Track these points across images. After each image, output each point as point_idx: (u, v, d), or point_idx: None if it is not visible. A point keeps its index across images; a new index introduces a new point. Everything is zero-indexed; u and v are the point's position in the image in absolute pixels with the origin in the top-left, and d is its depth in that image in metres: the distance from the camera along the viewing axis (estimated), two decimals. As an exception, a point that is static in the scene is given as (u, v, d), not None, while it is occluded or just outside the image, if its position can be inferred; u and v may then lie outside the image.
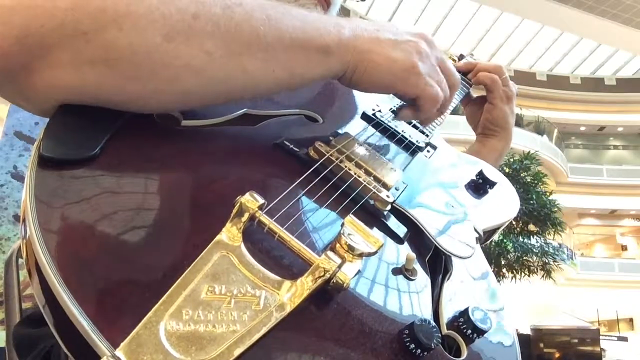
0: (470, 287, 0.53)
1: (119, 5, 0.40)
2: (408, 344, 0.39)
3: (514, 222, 8.19)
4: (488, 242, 0.70)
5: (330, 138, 0.56)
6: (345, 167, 0.53)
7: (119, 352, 0.28)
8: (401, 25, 0.58)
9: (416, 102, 0.58)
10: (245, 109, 0.54)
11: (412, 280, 0.47)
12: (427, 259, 0.52)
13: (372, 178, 0.53)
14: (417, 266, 0.48)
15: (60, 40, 0.39)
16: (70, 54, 0.40)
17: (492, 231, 0.67)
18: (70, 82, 0.41)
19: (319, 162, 0.51)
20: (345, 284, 0.38)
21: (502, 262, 8.47)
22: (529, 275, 8.64)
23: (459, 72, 0.95)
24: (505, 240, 8.27)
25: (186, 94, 0.45)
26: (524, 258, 8.53)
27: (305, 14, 0.50)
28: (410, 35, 0.56)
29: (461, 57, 1.05)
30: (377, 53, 0.52)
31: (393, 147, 0.64)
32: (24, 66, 0.40)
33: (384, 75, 0.53)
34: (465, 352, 0.43)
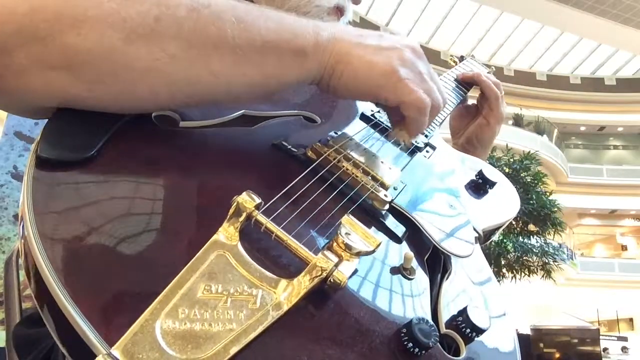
0: (469, 287, 0.53)
1: (76, 9, 0.40)
2: (406, 343, 0.39)
3: (514, 222, 8.19)
4: (488, 242, 0.70)
5: (328, 138, 0.56)
6: (343, 167, 0.53)
7: (114, 351, 0.29)
8: (394, 36, 0.55)
9: (401, 111, 0.53)
10: (243, 110, 0.54)
11: (410, 279, 0.47)
12: (425, 258, 0.52)
13: (369, 178, 0.53)
14: (416, 265, 0.48)
15: (19, 45, 0.39)
16: (31, 59, 0.40)
17: (492, 231, 0.67)
18: (36, 86, 0.41)
19: (316, 162, 0.51)
20: (342, 283, 0.37)
21: (502, 262, 8.46)
22: (529, 275, 8.63)
23: (457, 79, 0.94)
24: (505, 240, 8.27)
25: (153, 96, 0.44)
26: (524, 258, 8.53)
27: (283, 16, 0.49)
28: (396, 42, 0.53)
29: (462, 58, 1.04)
30: (356, 56, 0.50)
31: (391, 148, 0.64)
32: None
33: (361, 80, 0.50)
34: (464, 351, 0.43)
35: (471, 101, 0.98)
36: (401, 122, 0.54)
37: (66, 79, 0.41)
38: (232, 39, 0.44)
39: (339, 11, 0.82)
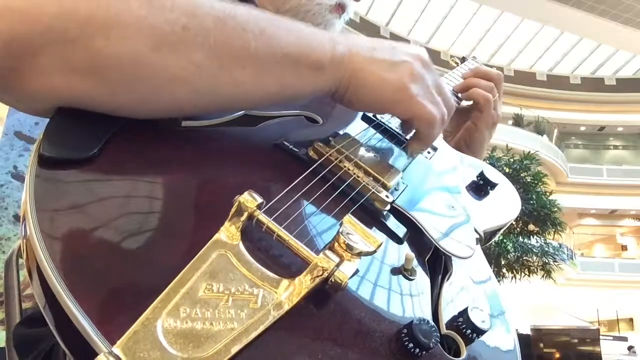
0: (470, 288, 0.53)
1: (107, 14, 0.40)
2: (407, 343, 0.39)
3: (514, 222, 8.17)
4: (488, 243, 0.70)
5: (330, 139, 0.56)
6: (345, 167, 0.53)
7: (116, 349, 0.29)
8: (400, 45, 0.57)
9: (413, 125, 0.57)
10: (244, 110, 0.54)
11: (411, 280, 0.47)
12: (426, 259, 0.52)
13: (371, 178, 0.53)
14: (417, 266, 0.48)
15: (46, 46, 0.39)
16: (57, 61, 0.40)
17: (493, 232, 0.68)
18: (58, 88, 0.41)
19: (318, 162, 0.51)
20: (343, 283, 0.37)
21: (502, 262, 8.47)
22: (529, 275, 8.64)
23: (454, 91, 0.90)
24: (505, 240, 8.27)
25: (175, 104, 0.45)
26: (524, 258, 8.54)
27: (301, 29, 0.50)
28: (407, 55, 0.55)
29: (463, 59, 1.03)
30: (369, 72, 0.52)
31: (393, 148, 0.64)
32: (11, 69, 0.40)
33: (375, 95, 0.53)
34: (464, 352, 0.43)
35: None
36: (414, 135, 0.59)
37: (89, 83, 0.41)
38: (255, 50, 0.45)
39: (340, 8, 0.82)
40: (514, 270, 8.56)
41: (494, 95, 0.87)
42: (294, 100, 0.52)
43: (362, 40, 0.54)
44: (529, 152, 8.95)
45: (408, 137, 0.68)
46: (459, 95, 0.88)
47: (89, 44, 0.39)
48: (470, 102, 0.89)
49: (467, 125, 0.88)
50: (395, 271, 0.47)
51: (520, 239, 8.60)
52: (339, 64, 0.51)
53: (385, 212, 0.52)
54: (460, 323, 0.44)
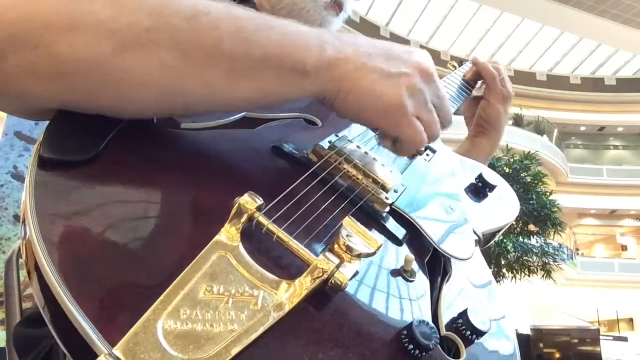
0: (469, 289, 0.53)
1: (65, 18, 0.39)
2: (406, 344, 0.39)
3: (514, 222, 8.17)
4: (487, 245, 0.70)
5: (330, 141, 0.56)
6: (344, 169, 0.53)
7: (116, 351, 0.29)
8: (401, 50, 0.52)
9: (397, 139, 0.51)
10: (244, 112, 0.54)
11: (410, 281, 0.47)
12: (426, 261, 0.52)
13: (370, 180, 0.53)
14: (416, 268, 0.48)
15: (9, 51, 0.39)
16: (23, 66, 0.39)
17: (492, 234, 0.68)
18: (31, 92, 0.41)
19: (317, 164, 0.51)
20: (343, 285, 0.38)
21: (502, 262, 8.47)
22: (529, 275, 8.64)
23: (462, 79, 0.97)
24: (505, 240, 8.27)
25: (145, 105, 0.44)
26: (524, 258, 8.54)
27: (287, 29, 0.46)
28: (405, 65, 0.49)
29: (461, 63, 1.05)
30: (361, 83, 0.47)
31: None
32: None
33: (366, 109, 0.48)
34: (464, 354, 0.43)
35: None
36: (390, 139, 0.52)
37: (58, 86, 0.41)
38: (229, 50, 0.43)
39: (337, 6, 0.81)
40: (514, 270, 8.56)
41: (500, 74, 0.95)
42: (278, 105, 0.48)
43: (357, 42, 0.49)
44: (529, 152, 8.95)
45: None
46: (470, 82, 0.97)
47: (51, 49, 0.39)
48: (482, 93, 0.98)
49: (481, 104, 0.96)
50: (394, 273, 0.47)
51: (520, 239, 8.60)
52: (326, 70, 0.46)
53: (384, 214, 0.52)
54: (459, 324, 0.45)
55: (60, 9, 0.39)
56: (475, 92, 1.00)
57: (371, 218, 0.51)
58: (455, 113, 0.89)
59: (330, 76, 0.46)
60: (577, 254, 16.45)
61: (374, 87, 0.47)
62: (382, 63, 0.48)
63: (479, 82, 0.99)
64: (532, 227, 8.65)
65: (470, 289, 0.53)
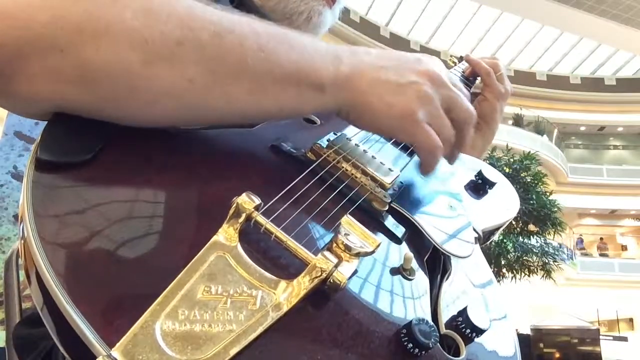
0: (469, 287, 0.53)
1: (98, 24, 0.39)
2: (406, 343, 0.39)
3: (514, 222, 8.19)
4: (488, 242, 0.70)
5: (328, 139, 0.56)
6: (343, 167, 0.53)
7: (114, 352, 0.29)
8: (410, 59, 0.54)
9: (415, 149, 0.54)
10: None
11: (410, 280, 0.47)
12: (425, 259, 0.52)
13: (369, 178, 0.53)
14: (415, 266, 0.48)
15: (36, 53, 0.39)
16: (47, 69, 0.39)
17: (492, 231, 0.68)
18: (48, 95, 0.41)
19: (316, 163, 0.51)
20: (342, 284, 0.37)
21: (502, 262, 8.47)
22: (529, 275, 8.64)
23: (461, 76, 0.97)
24: (505, 240, 8.27)
25: (165, 117, 0.44)
26: (524, 258, 8.54)
27: (305, 45, 0.48)
28: (416, 74, 0.51)
29: (461, 58, 1.06)
30: (374, 96, 0.49)
31: (391, 149, 0.64)
32: (2, 74, 0.40)
33: (380, 120, 0.50)
34: (464, 352, 0.43)
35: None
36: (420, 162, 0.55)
37: (78, 92, 0.41)
38: (253, 67, 0.44)
39: (332, 0, 0.81)
40: (514, 270, 8.56)
41: (497, 71, 0.94)
42: (293, 117, 0.50)
43: (369, 56, 0.52)
44: (529, 152, 8.95)
45: None
46: (469, 79, 0.98)
47: (78, 55, 0.39)
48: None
49: (478, 98, 0.95)
50: (394, 271, 0.47)
51: (520, 239, 8.60)
52: (342, 85, 0.48)
53: (383, 213, 0.52)
54: (459, 323, 0.44)
55: (93, 15, 0.39)
56: (474, 89, 1.01)
57: (370, 217, 0.51)
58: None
59: (346, 92, 0.49)
60: (585, 253, 16.43)
61: (386, 100, 0.49)
62: (393, 75, 0.50)
63: (478, 79, 0.99)
64: (532, 227, 8.65)
65: (470, 287, 0.53)
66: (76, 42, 0.39)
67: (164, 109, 0.43)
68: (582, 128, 21.19)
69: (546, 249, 8.72)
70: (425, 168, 0.55)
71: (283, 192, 0.44)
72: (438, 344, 0.40)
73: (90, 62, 0.39)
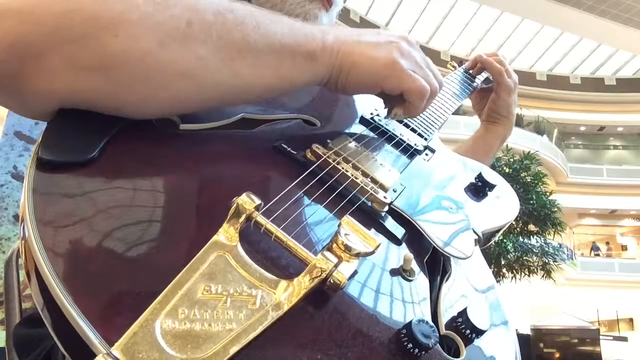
0: (468, 288, 0.53)
1: (113, 12, 0.40)
2: (406, 343, 0.39)
3: (514, 222, 8.17)
4: (488, 244, 0.70)
5: (328, 141, 0.56)
6: (343, 168, 0.53)
7: (114, 351, 0.29)
8: (386, 31, 0.60)
9: (404, 97, 0.57)
10: (242, 114, 0.55)
11: (410, 280, 0.47)
12: (425, 260, 0.52)
13: (369, 180, 0.53)
14: (415, 267, 0.48)
15: (53, 45, 0.39)
16: (64, 60, 0.40)
17: (492, 233, 0.68)
18: (64, 87, 0.41)
19: (315, 164, 0.51)
20: (342, 284, 0.38)
21: (502, 262, 8.46)
22: (529, 275, 8.63)
23: (465, 72, 1.01)
24: (505, 240, 8.26)
25: (180, 100, 0.45)
26: (524, 258, 8.53)
27: (292, 22, 0.52)
28: (392, 37, 0.58)
29: (461, 62, 1.06)
30: (358, 54, 0.54)
31: (391, 150, 0.64)
32: (16, 72, 0.40)
33: (367, 74, 0.54)
34: (464, 353, 0.43)
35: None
36: (400, 104, 0.59)
37: (97, 80, 0.41)
38: (254, 42, 0.47)
39: (328, 3, 0.81)
40: (514, 270, 8.55)
41: (504, 66, 1.01)
42: (290, 91, 0.53)
43: (347, 30, 0.57)
44: (529, 152, 8.94)
45: (406, 139, 0.68)
46: (473, 75, 1.02)
47: (97, 42, 0.40)
48: (489, 85, 1.05)
49: (491, 97, 1.04)
50: (394, 272, 0.47)
51: (520, 239, 8.59)
52: (329, 52, 0.53)
53: (383, 213, 0.52)
54: (459, 323, 0.45)
55: (108, 2, 0.40)
56: (482, 85, 1.05)
57: (370, 217, 0.51)
58: (454, 112, 0.90)
59: (334, 57, 0.53)
60: (575, 256, 16.43)
61: (369, 55, 0.54)
62: (372, 38, 0.56)
63: (483, 75, 1.04)
64: (532, 227, 8.64)
65: (470, 288, 0.53)
66: (94, 30, 0.39)
67: (178, 91, 0.44)
68: (582, 128, 21.18)
69: (546, 249, 8.72)
70: (411, 111, 0.59)
71: (283, 192, 0.44)
72: (438, 344, 0.40)
73: (109, 48, 0.40)
